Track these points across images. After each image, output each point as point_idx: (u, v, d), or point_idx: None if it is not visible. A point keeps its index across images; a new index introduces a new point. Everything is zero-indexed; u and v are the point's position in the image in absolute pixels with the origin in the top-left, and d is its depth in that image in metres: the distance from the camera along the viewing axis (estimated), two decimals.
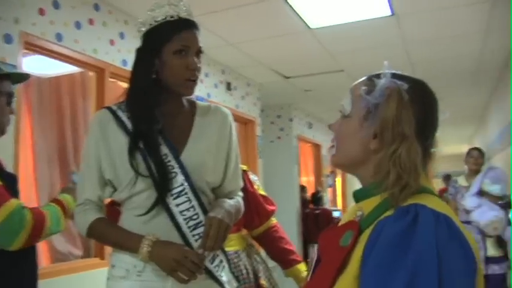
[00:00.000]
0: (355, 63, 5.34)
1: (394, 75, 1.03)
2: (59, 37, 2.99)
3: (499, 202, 4.04)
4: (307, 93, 6.78)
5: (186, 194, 1.54)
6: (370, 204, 1.00)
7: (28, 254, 1.79)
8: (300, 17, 3.92)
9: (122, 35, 3.58)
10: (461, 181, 4.86)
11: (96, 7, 3.35)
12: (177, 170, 1.54)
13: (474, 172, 4.64)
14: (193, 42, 1.56)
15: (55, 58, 3.05)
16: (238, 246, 2.40)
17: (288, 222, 6.85)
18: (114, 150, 1.55)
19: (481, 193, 4.18)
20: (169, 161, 1.54)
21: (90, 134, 1.61)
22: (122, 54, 3.57)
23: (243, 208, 1.75)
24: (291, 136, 7.37)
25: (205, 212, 1.57)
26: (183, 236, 1.52)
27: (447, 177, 8.41)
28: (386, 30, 4.34)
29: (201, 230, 1.54)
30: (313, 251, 6.98)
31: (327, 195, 8.87)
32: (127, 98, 1.60)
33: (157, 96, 1.57)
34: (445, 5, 3.79)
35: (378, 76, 1.04)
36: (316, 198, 7.21)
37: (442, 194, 5.58)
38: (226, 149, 1.70)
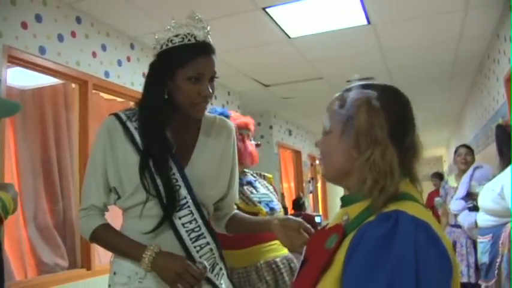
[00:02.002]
0: (334, 71, 5.45)
1: (364, 86, 1.09)
2: (42, 50, 3.01)
3: (468, 205, 3.72)
4: (286, 100, 6.87)
5: (188, 207, 1.57)
6: (355, 209, 1.05)
7: None
8: (280, 27, 4.00)
9: (103, 47, 3.62)
10: (451, 181, 4.56)
11: (78, 20, 3.38)
12: (180, 183, 1.56)
13: (463, 172, 4.29)
14: (207, 68, 1.55)
15: (39, 71, 3.07)
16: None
17: None
18: (119, 159, 1.57)
19: (471, 195, 3.83)
20: (173, 174, 1.56)
21: (97, 140, 1.61)
22: (104, 66, 3.60)
23: None
24: (271, 143, 7.45)
25: (206, 224, 1.61)
26: (185, 247, 1.56)
27: (437, 176, 7.72)
28: (363, 39, 4.45)
29: (202, 241, 1.59)
30: (296, 256, 7.02)
31: (309, 201, 8.95)
32: (139, 111, 1.61)
33: (167, 114, 1.58)
34: (418, 14, 3.92)
35: (349, 90, 1.10)
36: (298, 204, 7.25)
37: (432, 199, 5.25)
38: (230, 163, 1.73)
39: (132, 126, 1.59)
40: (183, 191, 1.57)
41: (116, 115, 1.62)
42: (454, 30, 4.32)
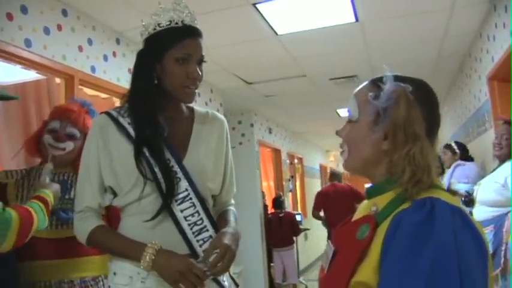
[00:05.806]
0: (318, 68, 5.45)
1: (396, 78, 1.08)
2: (27, 43, 2.90)
3: (462, 199, 3.68)
4: (268, 98, 6.84)
5: (190, 199, 1.54)
6: (384, 199, 1.05)
7: (6, 261, 1.75)
8: (268, 24, 3.96)
9: (90, 41, 3.51)
10: None
11: (64, 12, 3.27)
12: (180, 175, 1.53)
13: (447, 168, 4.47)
14: (195, 50, 1.55)
15: (24, 65, 2.95)
16: None
17: (251, 227, 6.87)
18: (114, 156, 1.53)
19: (450, 192, 3.88)
20: (172, 166, 1.53)
21: (89, 140, 1.57)
22: (91, 61, 3.50)
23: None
24: (252, 141, 7.41)
25: (209, 217, 1.57)
26: (187, 241, 1.52)
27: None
28: (350, 36, 4.45)
29: (205, 235, 1.55)
30: (278, 255, 7.03)
31: (288, 200, 8.96)
32: (128, 102, 1.58)
33: (158, 101, 1.56)
34: (405, 12, 3.94)
35: (381, 80, 1.09)
36: (278, 203, 7.26)
37: None
38: (224, 156, 1.71)
39: (125, 121, 1.56)
40: (184, 183, 1.53)
41: (107, 112, 1.59)
42: (439, 29, 4.36)
